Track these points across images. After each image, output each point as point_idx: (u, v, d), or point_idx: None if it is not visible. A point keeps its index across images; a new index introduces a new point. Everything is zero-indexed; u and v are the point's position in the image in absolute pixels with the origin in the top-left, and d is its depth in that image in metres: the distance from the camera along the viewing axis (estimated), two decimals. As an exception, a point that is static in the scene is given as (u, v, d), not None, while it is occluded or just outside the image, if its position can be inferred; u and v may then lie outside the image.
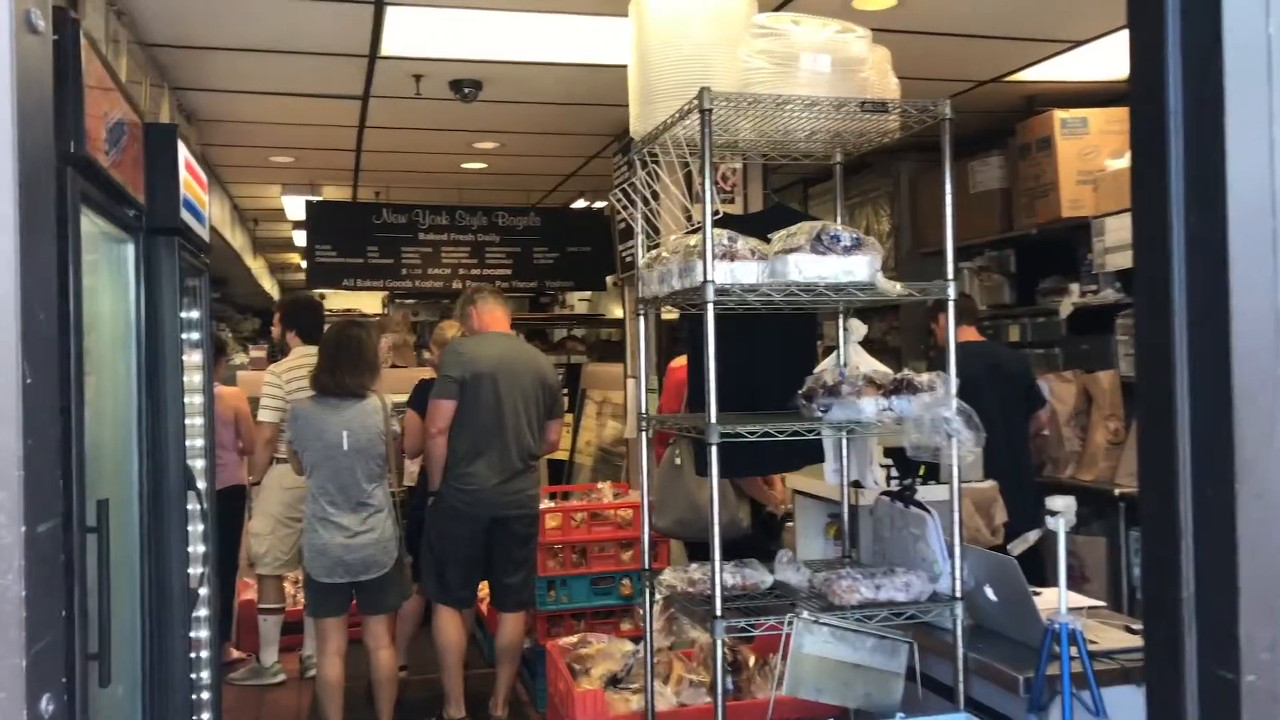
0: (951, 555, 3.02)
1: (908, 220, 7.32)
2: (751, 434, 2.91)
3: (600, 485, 6.25)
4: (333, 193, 8.75)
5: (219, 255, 10.26)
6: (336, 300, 17.68)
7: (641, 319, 3.62)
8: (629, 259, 6.48)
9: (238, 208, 9.77)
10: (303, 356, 5.63)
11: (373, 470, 4.66)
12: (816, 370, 3.48)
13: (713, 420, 2.82)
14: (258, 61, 5.01)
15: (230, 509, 5.78)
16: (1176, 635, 0.99)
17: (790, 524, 5.02)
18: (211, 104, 5.80)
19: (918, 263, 7.29)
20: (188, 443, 3.54)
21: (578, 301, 14.73)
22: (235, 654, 6.03)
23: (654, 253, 3.41)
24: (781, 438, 2.94)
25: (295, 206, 8.83)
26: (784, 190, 8.16)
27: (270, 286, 15.70)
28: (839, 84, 3.12)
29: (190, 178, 3.44)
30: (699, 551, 4.79)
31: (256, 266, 12.83)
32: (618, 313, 12.04)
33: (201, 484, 3.76)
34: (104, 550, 2.30)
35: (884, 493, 3.43)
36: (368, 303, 14.94)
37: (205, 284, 3.95)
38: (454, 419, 4.79)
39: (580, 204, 9.09)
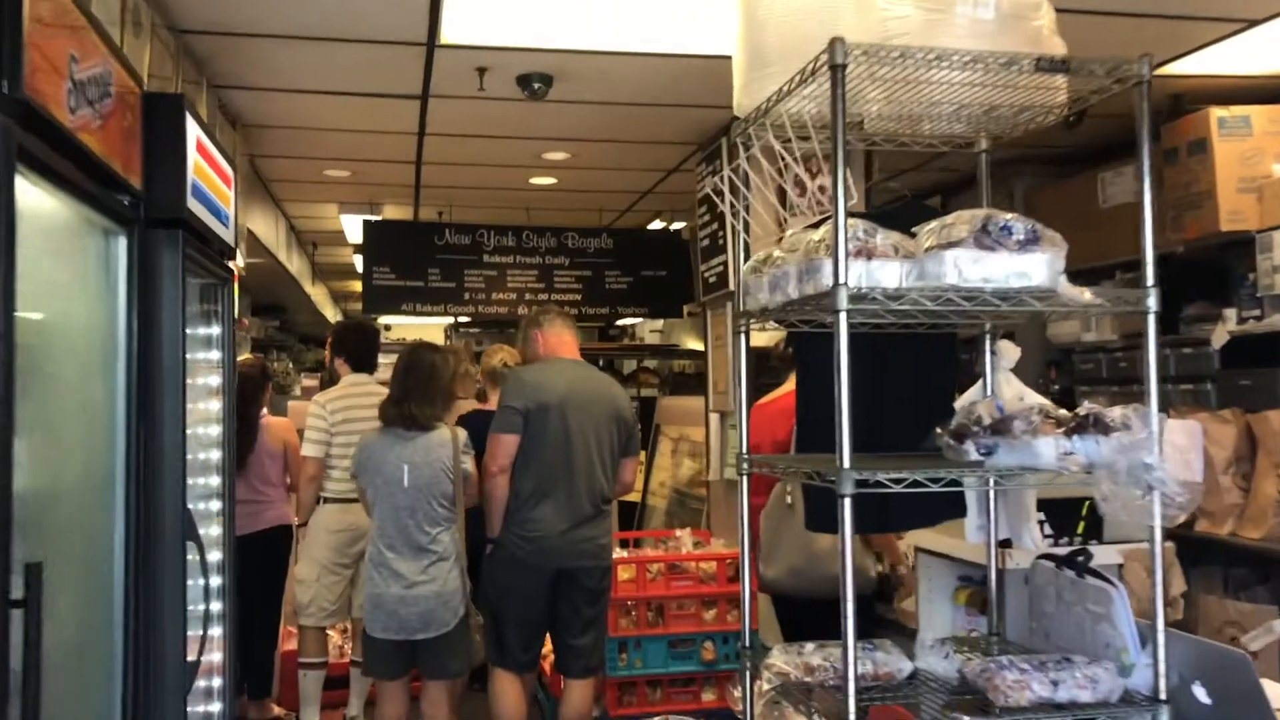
0: (1151, 642, 2.32)
1: (1021, 241, 6.56)
2: (896, 482, 2.23)
3: (679, 533, 5.57)
4: (393, 212, 8.25)
5: (276, 280, 9.84)
6: (401, 330, 17.40)
7: (743, 338, 2.95)
8: (713, 278, 5.83)
9: (295, 229, 9.33)
10: (351, 385, 5.12)
11: (436, 512, 4.10)
12: (962, 402, 2.80)
13: (846, 464, 2.15)
14: (305, 52, 4.48)
15: (275, 550, 5.22)
16: None
17: (896, 579, 4.31)
18: (256, 105, 5.30)
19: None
20: (196, 481, 2.95)
21: (649, 333, 14.13)
22: (277, 710, 5.42)
23: (763, 253, 2.75)
24: (935, 488, 2.26)
25: (354, 228, 8.36)
26: (884, 207, 7.45)
27: (332, 315, 15.36)
28: (1004, 36, 2.47)
29: (204, 162, 2.86)
30: (799, 613, 4.08)
31: (317, 294, 12.43)
32: (691, 344, 11.42)
33: (214, 529, 3.17)
34: (32, 628, 1.70)
35: (1044, 556, 2.74)
36: (429, 331, 14.54)
37: (229, 295, 3.38)
38: (516, 456, 4.18)
39: (656, 225, 8.49)
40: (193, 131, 2.71)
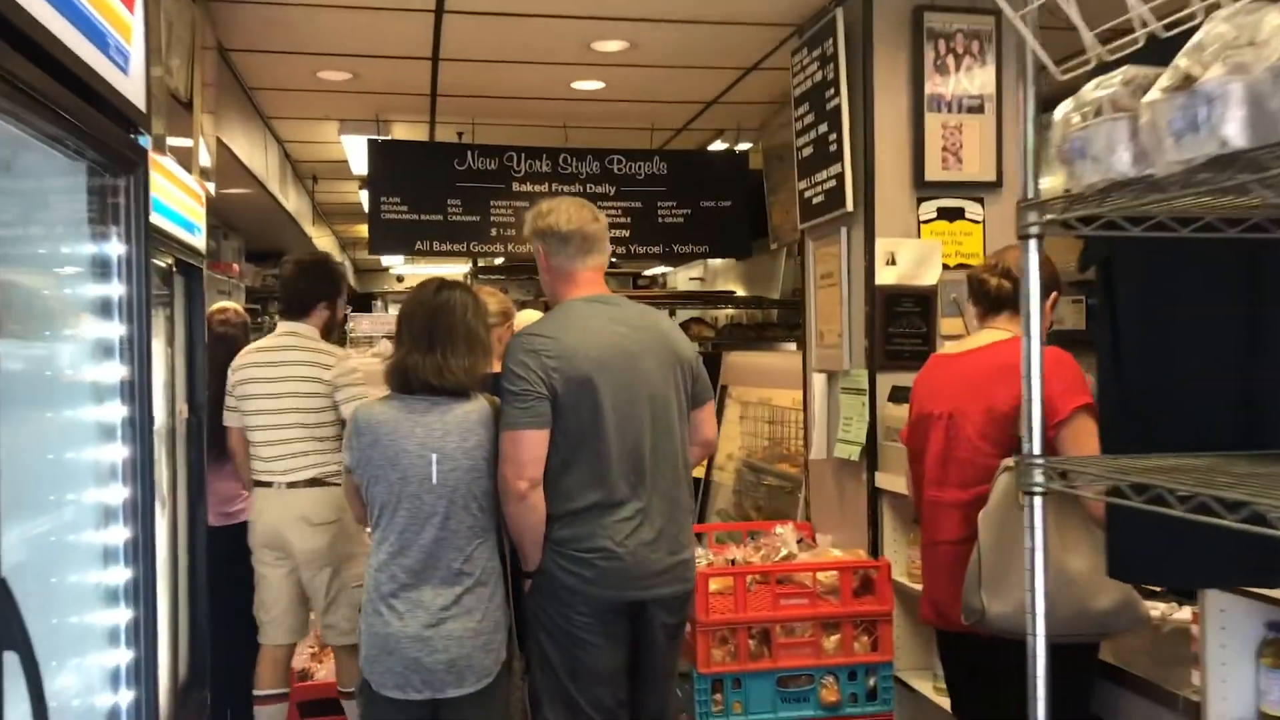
0: None
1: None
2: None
3: (779, 527, 4.28)
4: (404, 132, 6.89)
5: (271, 220, 8.53)
6: (416, 280, 16.04)
7: (1034, 247, 1.64)
8: (819, 197, 4.49)
9: (290, 157, 7.99)
10: (269, 339, 4.09)
11: (475, 518, 2.93)
12: None
13: None
14: None
15: (241, 552, 4.01)
16: None
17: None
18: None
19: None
20: (82, 455, 1.68)
21: (687, 281, 12.80)
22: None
23: (1118, 79, 1.41)
24: None
25: (359, 153, 7.01)
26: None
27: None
28: None
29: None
30: (979, 651, 2.81)
31: (320, 238, 11.10)
32: (740, 291, 10.07)
33: (109, 534, 1.89)
34: None
35: None
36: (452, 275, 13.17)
37: (137, 196, 2.07)
38: (551, 453, 2.89)
39: (717, 146, 7.11)
40: None
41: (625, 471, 2.89)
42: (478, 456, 2.88)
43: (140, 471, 2.07)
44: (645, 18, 4.62)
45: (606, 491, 2.88)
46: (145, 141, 2.09)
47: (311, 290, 4.04)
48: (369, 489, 2.93)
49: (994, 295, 2.95)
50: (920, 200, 4.21)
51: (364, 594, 2.97)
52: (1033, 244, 1.64)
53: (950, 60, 4.17)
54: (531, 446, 2.83)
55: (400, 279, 16.71)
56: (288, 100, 6.15)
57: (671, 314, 8.41)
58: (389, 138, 6.68)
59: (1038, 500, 1.63)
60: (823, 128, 4.42)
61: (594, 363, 2.88)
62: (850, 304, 4.30)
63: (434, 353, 2.88)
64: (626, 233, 6.69)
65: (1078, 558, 2.55)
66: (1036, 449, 1.63)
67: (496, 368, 3.08)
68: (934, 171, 4.17)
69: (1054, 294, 2.95)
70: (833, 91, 4.29)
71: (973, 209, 4.25)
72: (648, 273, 14.74)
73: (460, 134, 6.92)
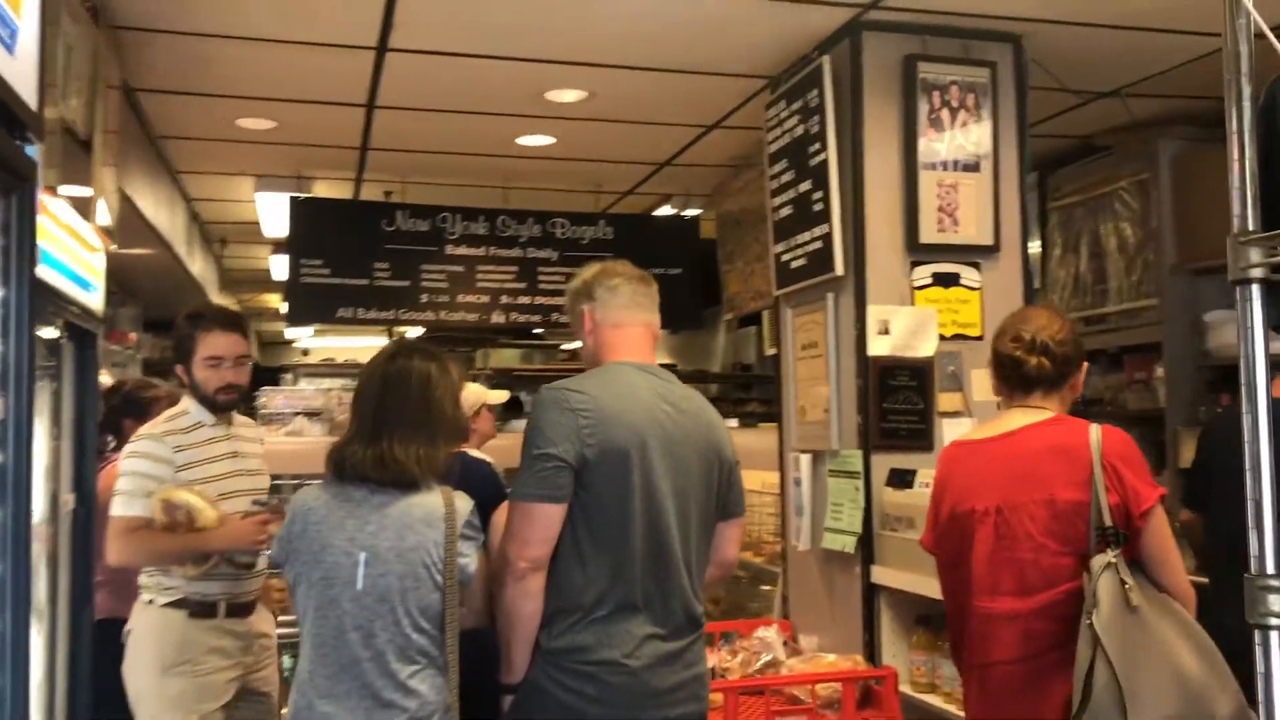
0: None
1: (1169, 223, 4.99)
2: None
3: (763, 630, 3.80)
4: (326, 189, 6.36)
5: (174, 285, 7.86)
6: (325, 352, 15.21)
7: (1256, 298, 1.18)
8: (799, 261, 4.11)
9: (198, 217, 7.36)
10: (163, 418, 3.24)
11: (410, 640, 2.34)
12: None
13: None
14: None
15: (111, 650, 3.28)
16: None
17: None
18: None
19: (1183, 286, 4.97)
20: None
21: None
22: None
23: None
24: None
25: (275, 214, 6.45)
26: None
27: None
28: None
29: None
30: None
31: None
32: (680, 364, 9.65)
33: None
34: None
35: None
36: (362, 353, 12.44)
37: (23, 217, 1.54)
38: (561, 538, 2.40)
39: (665, 211, 6.72)
40: None
41: (649, 571, 2.39)
42: (415, 562, 2.31)
43: (12, 595, 1.51)
44: (607, 63, 4.21)
45: (626, 591, 2.37)
46: (33, 152, 1.57)
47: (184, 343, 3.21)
48: (295, 590, 2.39)
49: (1033, 376, 2.55)
50: (914, 264, 3.85)
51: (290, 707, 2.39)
52: (1255, 294, 1.23)
53: (945, 114, 3.85)
54: (543, 524, 2.35)
55: (305, 352, 15.88)
56: (200, 151, 5.58)
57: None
58: (309, 195, 6.13)
59: (1274, 637, 1.18)
60: (805, 185, 4.04)
61: (635, 436, 2.40)
62: (839, 377, 3.89)
63: (378, 441, 2.37)
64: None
65: (1193, 660, 2.19)
66: (1270, 565, 1.18)
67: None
68: (929, 234, 3.82)
69: (1084, 363, 2.59)
70: (818, 146, 3.92)
71: (969, 275, 3.90)
72: (566, 346, 14.24)
73: (388, 193, 6.42)
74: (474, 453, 3.26)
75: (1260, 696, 1.23)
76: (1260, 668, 1.23)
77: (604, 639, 2.36)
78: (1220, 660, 2.20)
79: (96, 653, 3.18)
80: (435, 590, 2.33)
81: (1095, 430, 2.36)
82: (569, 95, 4.60)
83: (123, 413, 3.93)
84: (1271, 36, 1.25)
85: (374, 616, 2.29)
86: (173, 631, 2.99)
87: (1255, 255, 1.21)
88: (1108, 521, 2.26)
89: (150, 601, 3.05)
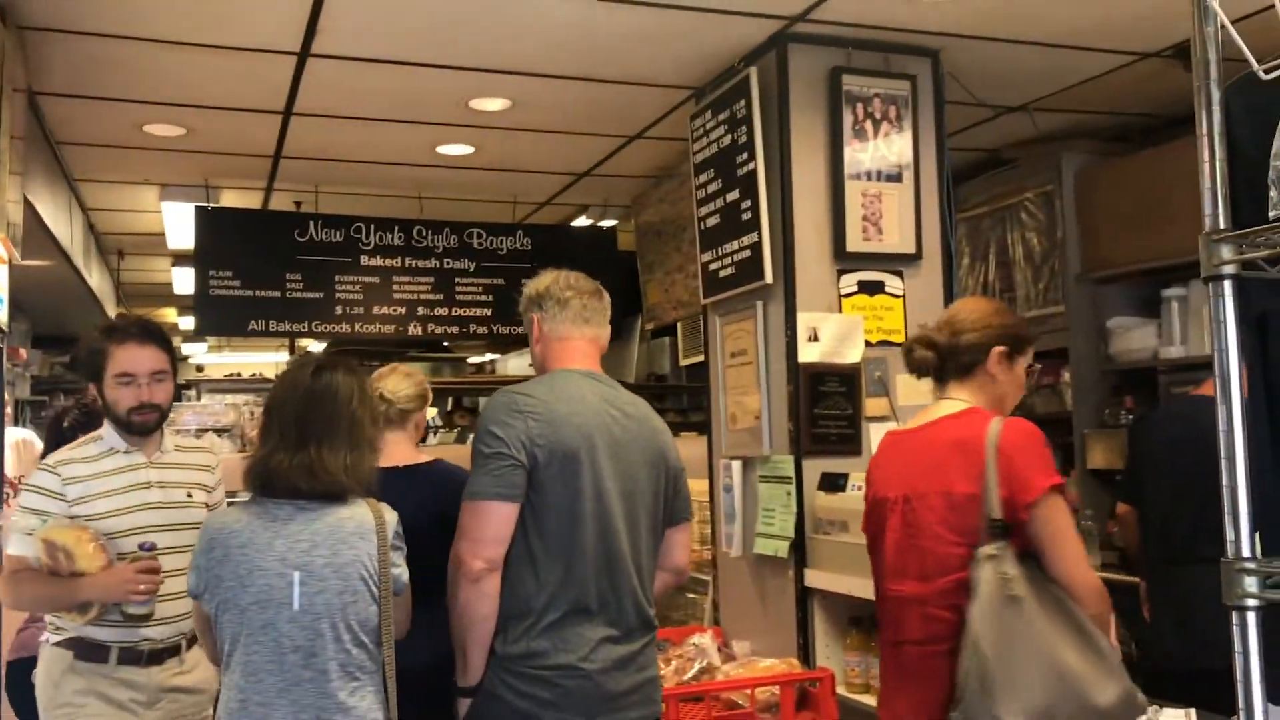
0: None
1: (1073, 234, 5.18)
2: None
3: (698, 636, 3.81)
4: (235, 199, 6.19)
5: (69, 299, 7.56)
6: (220, 368, 14.74)
7: (1228, 294, 1.24)
8: (727, 270, 4.15)
9: (95, 229, 7.09)
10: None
11: (348, 655, 2.30)
12: None
13: None
14: None
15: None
16: None
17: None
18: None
19: (1087, 294, 5.16)
20: None
21: (525, 366, 12.28)
22: None
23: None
24: None
25: (180, 225, 6.25)
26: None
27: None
28: None
29: None
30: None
31: (121, 321, 9.98)
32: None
33: None
34: None
35: None
36: (255, 367, 12.08)
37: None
38: (515, 541, 2.41)
39: (582, 222, 6.71)
40: None
41: (602, 572, 2.41)
42: (352, 575, 2.27)
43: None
44: (533, 71, 4.19)
45: (579, 593, 2.39)
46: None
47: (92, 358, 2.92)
48: (218, 619, 2.29)
49: (918, 365, 2.58)
50: (840, 272, 3.92)
51: None
52: (1228, 289, 1.28)
53: (868, 125, 3.93)
54: (497, 522, 2.36)
55: (200, 368, 15.44)
56: (101, 158, 5.37)
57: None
58: (218, 205, 5.97)
59: (1250, 618, 1.23)
60: (733, 195, 4.08)
61: (584, 439, 2.43)
62: (769, 384, 3.93)
63: (305, 449, 2.31)
64: (488, 311, 6.18)
65: (1072, 652, 2.20)
66: (1245, 550, 1.23)
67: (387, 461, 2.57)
68: (855, 242, 3.90)
69: (995, 350, 2.49)
70: (746, 156, 3.97)
71: (893, 283, 3.99)
72: (473, 360, 14.11)
73: (299, 203, 6.28)
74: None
75: (1239, 675, 1.28)
76: (1238, 647, 1.27)
77: (559, 643, 2.37)
78: (1107, 651, 2.22)
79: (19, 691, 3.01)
80: (373, 603, 2.30)
81: (995, 424, 2.34)
82: (493, 104, 4.56)
83: (87, 429, 3.52)
84: (1239, 39, 1.30)
85: (314, 635, 2.24)
86: (55, 673, 2.73)
87: (1226, 252, 1.26)
88: (995, 514, 2.29)
89: (46, 640, 2.81)
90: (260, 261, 5.79)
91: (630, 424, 2.55)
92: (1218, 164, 1.31)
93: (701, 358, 5.82)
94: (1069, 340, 5.16)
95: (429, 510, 2.65)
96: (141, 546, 2.68)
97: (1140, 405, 4.96)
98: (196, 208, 5.75)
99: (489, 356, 13.04)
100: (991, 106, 4.66)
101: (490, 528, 2.36)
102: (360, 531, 2.31)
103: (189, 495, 2.88)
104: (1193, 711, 2.64)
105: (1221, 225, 1.31)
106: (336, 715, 2.24)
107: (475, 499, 2.38)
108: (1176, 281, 4.84)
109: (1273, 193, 1.20)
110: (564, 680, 2.35)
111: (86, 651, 2.72)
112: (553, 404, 2.45)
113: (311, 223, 5.93)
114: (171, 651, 2.78)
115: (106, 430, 2.85)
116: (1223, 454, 1.30)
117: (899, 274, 4.00)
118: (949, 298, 4.07)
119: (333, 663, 2.25)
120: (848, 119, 3.90)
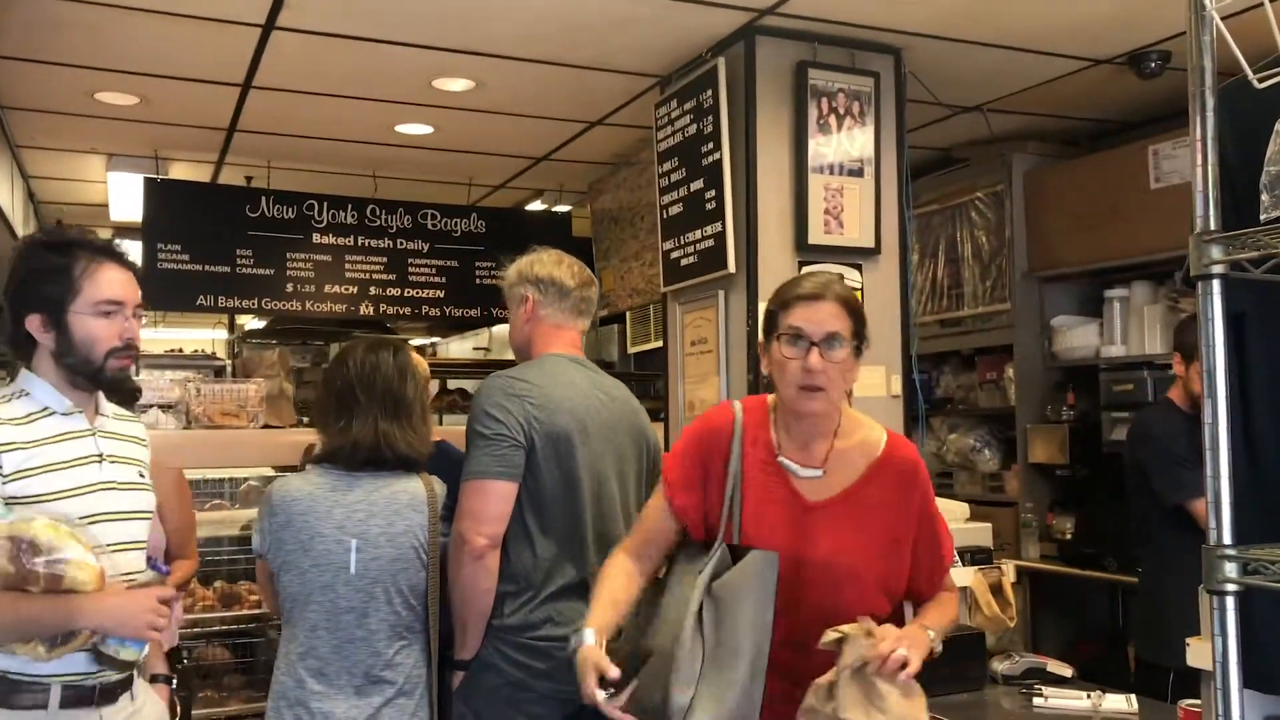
0: None
1: (1021, 234, 5.31)
2: None
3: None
4: (184, 171, 6.08)
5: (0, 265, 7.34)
6: (157, 343, 14.39)
7: (1218, 294, 1.32)
8: (690, 259, 4.19)
9: (34, 197, 6.91)
10: None
11: (398, 616, 2.50)
12: None
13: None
14: None
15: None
16: None
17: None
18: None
19: (1033, 292, 5.30)
20: None
21: (471, 350, 12.24)
22: None
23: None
24: None
25: (126, 196, 6.11)
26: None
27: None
28: None
29: None
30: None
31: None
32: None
33: None
34: None
35: None
36: (201, 342, 11.80)
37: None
38: (513, 519, 2.54)
39: (536, 206, 6.71)
40: None
41: (597, 549, 2.50)
42: (404, 545, 2.46)
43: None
44: (499, 54, 4.19)
45: (576, 570, 2.51)
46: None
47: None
48: (279, 577, 2.48)
49: None
50: (802, 264, 3.97)
51: (269, 700, 2.45)
52: (1216, 288, 1.35)
53: (832, 120, 4.00)
54: (498, 499, 2.46)
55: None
56: (49, 124, 5.23)
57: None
58: (167, 177, 5.85)
59: (1230, 601, 1.31)
60: (697, 184, 4.12)
61: (576, 422, 2.55)
62: (729, 372, 3.99)
63: (395, 421, 2.49)
64: (441, 293, 6.15)
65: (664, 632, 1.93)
66: (1227, 537, 1.31)
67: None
68: (816, 235, 3.96)
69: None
70: (711, 145, 4.01)
71: (852, 275, 4.06)
72: (415, 342, 14.00)
73: (249, 178, 6.18)
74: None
75: (1217, 657, 1.34)
76: (1217, 629, 1.34)
77: (554, 616, 2.48)
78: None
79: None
80: (422, 569, 2.47)
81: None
82: (457, 84, 4.54)
83: None
84: (1233, 42, 1.37)
85: (367, 598, 2.41)
86: None
87: (1216, 253, 1.33)
88: None
89: None
90: (210, 236, 5.70)
91: (616, 406, 2.68)
92: (1210, 168, 1.37)
93: (650, 345, 5.89)
94: (1014, 337, 5.29)
95: None
96: (151, 564, 2.18)
97: (1081, 402, 5.11)
98: (146, 179, 5.63)
99: (431, 340, 12.96)
100: (948, 106, 4.75)
101: (492, 506, 2.46)
102: (414, 504, 2.48)
103: (140, 475, 2.20)
104: (1134, 697, 2.77)
105: (1211, 227, 1.37)
106: (385, 671, 2.42)
107: (478, 478, 2.46)
108: (1119, 283, 4.99)
109: (1264, 196, 1.27)
110: (558, 651, 2.43)
111: (10, 692, 1.96)
112: (547, 388, 2.56)
113: (264, 198, 5.85)
114: (125, 685, 2.10)
115: (33, 383, 2.09)
116: (1206, 445, 1.37)
117: (858, 267, 4.07)
118: (905, 292, 4.16)
119: (384, 624, 2.43)
120: (812, 113, 3.96)
